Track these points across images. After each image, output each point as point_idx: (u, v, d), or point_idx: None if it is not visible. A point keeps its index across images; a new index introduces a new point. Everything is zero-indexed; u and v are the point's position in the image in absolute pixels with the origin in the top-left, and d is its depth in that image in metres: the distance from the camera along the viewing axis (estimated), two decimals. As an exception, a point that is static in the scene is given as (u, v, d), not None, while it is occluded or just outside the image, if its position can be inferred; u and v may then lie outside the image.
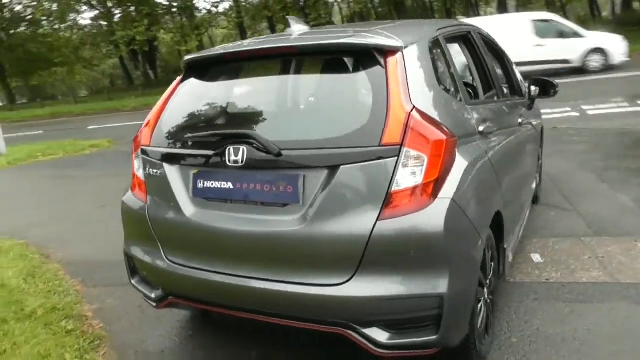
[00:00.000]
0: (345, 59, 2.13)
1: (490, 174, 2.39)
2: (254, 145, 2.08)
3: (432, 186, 1.97)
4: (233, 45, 2.60)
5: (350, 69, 2.13)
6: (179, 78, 2.58)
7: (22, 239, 4.91)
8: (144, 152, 2.48)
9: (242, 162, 2.11)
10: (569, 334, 2.65)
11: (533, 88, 3.77)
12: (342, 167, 2.00)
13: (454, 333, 2.08)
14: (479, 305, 2.31)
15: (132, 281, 2.63)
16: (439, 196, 1.96)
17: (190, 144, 2.32)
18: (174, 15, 33.39)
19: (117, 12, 33.78)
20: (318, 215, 2.02)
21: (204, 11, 32.93)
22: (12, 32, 32.14)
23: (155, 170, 2.41)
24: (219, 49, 2.51)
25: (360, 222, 1.96)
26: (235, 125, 2.34)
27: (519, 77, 3.94)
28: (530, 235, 3.91)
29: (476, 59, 3.05)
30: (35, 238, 4.95)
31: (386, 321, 2.02)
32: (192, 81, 2.53)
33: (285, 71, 2.50)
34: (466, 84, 2.70)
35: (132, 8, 31.86)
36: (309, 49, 2.30)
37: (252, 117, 2.38)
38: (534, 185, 3.92)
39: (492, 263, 2.61)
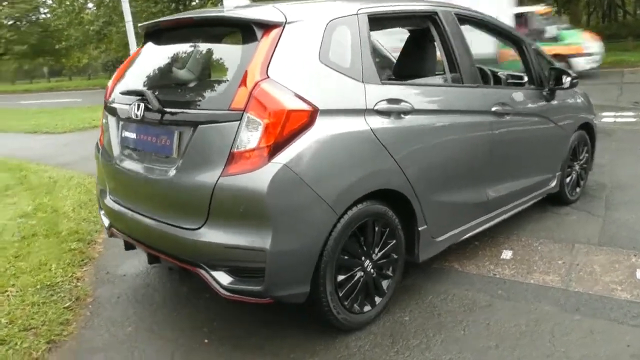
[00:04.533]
0: (232, 31, 2.40)
1: (376, 151, 2.46)
2: (146, 103, 2.46)
3: (268, 151, 2.16)
4: (170, 16, 2.98)
5: (234, 40, 2.39)
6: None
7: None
8: (104, 105, 3.01)
9: (140, 116, 2.51)
10: (463, 323, 2.62)
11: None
12: (200, 126, 2.29)
13: (281, 288, 2.27)
14: (331, 271, 2.41)
15: (100, 212, 3.21)
16: (273, 160, 2.15)
17: (122, 99, 2.77)
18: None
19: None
20: (183, 167, 2.36)
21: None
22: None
23: (105, 121, 2.93)
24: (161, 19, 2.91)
25: (208, 177, 2.24)
26: (146, 84, 2.74)
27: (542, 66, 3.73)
28: (524, 233, 3.74)
29: (428, 40, 3.03)
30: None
31: (228, 267, 2.29)
32: (147, 45, 2.98)
33: (191, 40, 2.81)
34: (386, 63, 2.74)
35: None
36: (201, 21, 2.61)
37: (159, 78, 2.77)
38: (528, 182, 3.69)
39: (395, 241, 2.68)
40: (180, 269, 2.53)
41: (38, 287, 3.15)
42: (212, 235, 2.28)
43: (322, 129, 2.28)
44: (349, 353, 2.43)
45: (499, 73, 3.84)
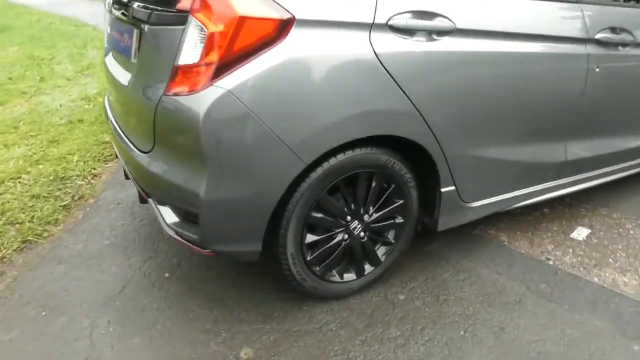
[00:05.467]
0: None
1: (380, 84, 1.80)
2: None
3: (212, 70, 1.63)
4: None
5: None
6: None
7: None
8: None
9: (110, 9, 2.10)
10: (469, 321, 2.04)
11: None
12: (148, 27, 1.82)
13: (220, 242, 1.84)
14: (299, 230, 1.92)
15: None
16: (216, 83, 1.63)
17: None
18: None
19: None
20: (137, 76, 1.96)
21: None
22: None
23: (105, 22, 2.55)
24: None
25: (153, 92, 1.81)
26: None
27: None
28: (620, 207, 2.89)
29: None
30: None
31: (173, 205, 1.91)
32: None
33: None
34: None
35: None
36: None
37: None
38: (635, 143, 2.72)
39: (402, 201, 2.09)
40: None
41: (51, 178, 3.08)
42: (156, 164, 1.89)
43: (296, 47, 1.67)
44: (307, 329, 1.99)
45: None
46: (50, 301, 2.12)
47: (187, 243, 1.89)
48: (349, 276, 2.12)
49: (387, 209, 2.09)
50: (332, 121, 1.76)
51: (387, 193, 2.06)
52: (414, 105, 1.88)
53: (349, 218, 2.01)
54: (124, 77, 2.09)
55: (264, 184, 1.75)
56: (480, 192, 2.27)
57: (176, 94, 1.69)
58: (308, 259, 1.98)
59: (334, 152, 1.83)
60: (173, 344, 1.91)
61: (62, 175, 3.12)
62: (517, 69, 2.10)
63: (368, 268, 2.16)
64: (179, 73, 1.69)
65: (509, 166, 2.29)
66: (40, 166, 3.20)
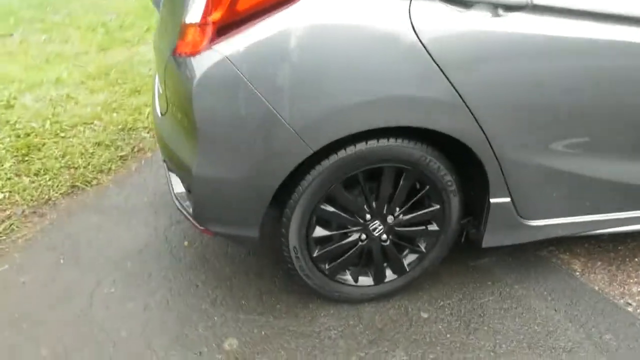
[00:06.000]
0: None
1: (416, 66, 1.48)
2: None
3: (212, 30, 1.44)
4: None
5: None
6: None
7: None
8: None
9: None
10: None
11: None
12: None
13: (213, 223, 1.68)
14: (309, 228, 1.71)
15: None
16: (215, 47, 1.44)
17: None
18: None
19: None
20: (159, 30, 1.90)
21: None
22: None
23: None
24: None
25: (166, 49, 1.67)
26: None
27: None
28: None
29: None
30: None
31: (177, 174, 1.80)
32: None
33: None
34: None
35: None
36: None
37: None
38: None
39: (438, 206, 1.78)
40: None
41: (120, 127, 3.15)
42: (166, 129, 1.78)
43: (312, 12, 1.42)
44: (304, 330, 1.79)
45: None
46: (72, 250, 2.15)
47: (189, 217, 1.76)
48: (365, 280, 1.87)
49: (417, 213, 1.78)
50: (348, 104, 1.48)
51: (418, 195, 1.75)
52: (460, 95, 1.53)
53: (368, 217, 1.74)
54: (157, 29, 1.99)
55: (261, 167, 1.54)
56: (545, 209, 1.86)
57: (179, 55, 1.53)
58: (315, 254, 1.76)
59: (352, 139, 1.56)
60: (164, 317, 1.82)
61: (131, 126, 3.17)
62: (614, 62, 1.63)
63: (390, 275, 1.88)
64: (184, 31, 1.52)
65: (590, 183, 1.83)
66: (115, 114, 3.29)
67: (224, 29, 1.43)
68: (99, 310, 1.84)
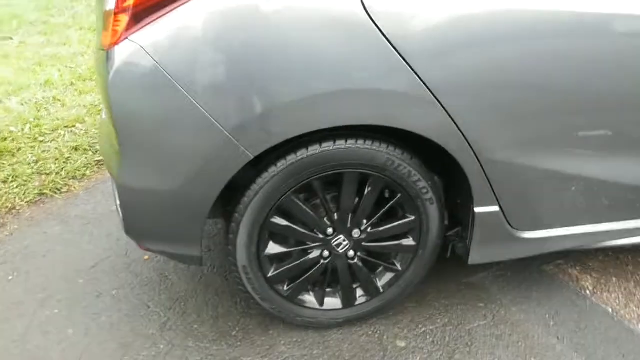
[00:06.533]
0: None
1: (370, 51, 1.24)
2: None
3: (128, 18, 1.23)
4: None
5: None
6: None
7: None
8: None
9: None
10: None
11: None
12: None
13: (146, 239, 1.48)
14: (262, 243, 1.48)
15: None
16: (131, 37, 1.23)
17: None
18: None
19: None
20: (97, 22, 1.64)
21: None
22: None
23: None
24: None
25: (97, 42, 1.47)
26: None
27: None
28: None
29: None
30: None
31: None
32: None
33: None
34: None
35: None
36: None
37: None
38: None
39: (413, 217, 1.53)
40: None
41: (101, 130, 2.98)
42: (101, 132, 1.61)
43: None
44: (267, 359, 1.56)
45: None
46: (24, 265, 1.98)
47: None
48: (333, 303, 1.63)
49: (388, 226, 1.53)
50: (291, 100, 1.25)
51: (387, 206, 1.50)
52: (425, 85, 1.28)
53: (330, 231, 1.50)
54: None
55: (191, 176, 1.32)
56: (542, 218, 1.58)
57: (103, 48, 1.32)
58: (269, 274, 1.52)
59: (306, 142, 1.33)
60: (104, 344, 1.62)
61: (113, 129, 3.00)
62: (609, 42, 1.34)
63: (361, 297, 1.63)
64: (105, 21, 1.31)
65: (596, 187, 1.54)
66: (98, 116, 3.14)
67: (141, 15, 1.21)
68: (36, 336, 1.66)
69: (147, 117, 1.27)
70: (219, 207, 1.47)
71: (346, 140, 1.37)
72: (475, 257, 1.58)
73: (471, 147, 1.38)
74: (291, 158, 1.35)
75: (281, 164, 1.36)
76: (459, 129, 1.34)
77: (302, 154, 1.35)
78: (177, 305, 1.77)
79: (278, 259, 1.53)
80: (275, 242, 1.51)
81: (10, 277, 1.92)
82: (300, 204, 1.43)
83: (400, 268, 1.61)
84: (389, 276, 1.63)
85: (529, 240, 1.59)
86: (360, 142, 1.37)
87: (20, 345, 1.62)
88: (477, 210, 1.49)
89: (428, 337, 1.63)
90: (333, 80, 1.24)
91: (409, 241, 1.56)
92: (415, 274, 1.62)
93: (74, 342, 1.63)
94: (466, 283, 1.84)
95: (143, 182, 1.33)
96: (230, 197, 1.43)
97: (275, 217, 1.44)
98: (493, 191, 1.47)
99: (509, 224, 1.55)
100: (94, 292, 1.84)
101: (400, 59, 1.24)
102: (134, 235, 1.47)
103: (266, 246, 1.49)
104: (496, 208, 1.50)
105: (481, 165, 1.41)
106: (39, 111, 3.18)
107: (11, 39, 4.56)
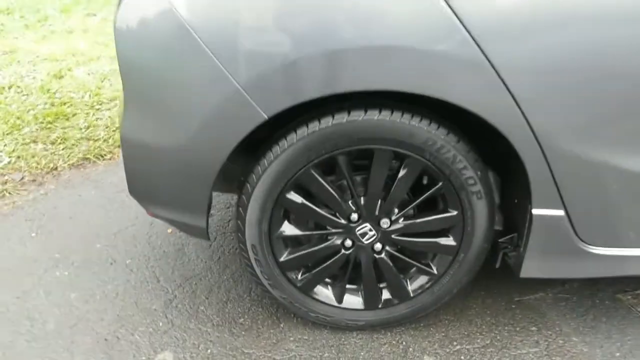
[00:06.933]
0: None
1: (424, 17, 1.02)
2: None
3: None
4: None
5: None
6: None
7: None
8: None
9: None
10: None
11: None
12: None
13: (147, 201, 1.34)
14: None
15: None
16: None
17: None
18: None
19: None
20: None
21: None
22: None
23: None
24: None
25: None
26: None
27: None
28: None
29: None
30: None
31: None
32: None
33: None
34: None
35: None
36: None
37: None
38: None
39: (455, 213, 1.28)
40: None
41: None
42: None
43: None
44: (263, 356, 1.37)
45: None
46: (49, 224, 1.93)
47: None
48: (353, 302, 1.41)
49: (423, 220, 1.29)
50: (315, 53, 1.05)
51: (426, 195, 1.26)
52: (482, 52, 1.04)
53: (354, 216, 1.29)
54: None
55: (197, 133, 1.16)
56: (621, 231, 1.27)
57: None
58: (282, 259, 1.34)
59: (332, 109, 1.14)
60: (102, 314, 1.51)
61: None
62: None
63: (388, 300, 1.40)
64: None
65: None
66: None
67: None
68: (38, 295, 1.58)
69: (155, 65, 1.13)
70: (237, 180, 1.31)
71: (380, 111, 1.15)
72: (529, 269, 1.31)
73: (534, 134, 1.11)
74: (313, 126, 1.16)
75: (301, 132, 1.16)
76: (519, 107, 1.09)
77: (326, 122, 1.15)
78: (187, 283, 1.62)
79: (293, 242, 1.34)
80: (291, 222, 1.31)
81: (33, 234, 1.87)
82: (321, 180, 1.23)
83: (436, 271, 1.36)
84: (422, 279, 1.39)
85: (600, 257, 1.28)
86: (397, 114, 1.15)
87: (20, 303, 1.54)
88: (535, 212, 1.22)
89: (462, 357, 1.37)
90: (380, 34, 1.03)
91: (448, 240, 1.31)
92: (454, 280, 1.37)
93: (73, 307, 1.53)
94: (519, 302, 1.56)
95: (146, 135, 1.20)
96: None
97: (291, 192, 1.25)
98: (558, 191, 1.19)
99: (576, 234, 1.25)
100: (108, 259, 1.74)
101: (462, 27, 1.01)
102: (137, 197, 1.34)
103: (280, 226, 1.30)
104: (561, 212, 1.22)
105: (545, 157, 1.14)
106: (102, 82, 3.20)
107: (95, 15, 4.71)
